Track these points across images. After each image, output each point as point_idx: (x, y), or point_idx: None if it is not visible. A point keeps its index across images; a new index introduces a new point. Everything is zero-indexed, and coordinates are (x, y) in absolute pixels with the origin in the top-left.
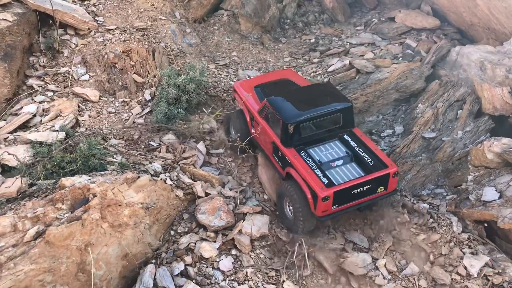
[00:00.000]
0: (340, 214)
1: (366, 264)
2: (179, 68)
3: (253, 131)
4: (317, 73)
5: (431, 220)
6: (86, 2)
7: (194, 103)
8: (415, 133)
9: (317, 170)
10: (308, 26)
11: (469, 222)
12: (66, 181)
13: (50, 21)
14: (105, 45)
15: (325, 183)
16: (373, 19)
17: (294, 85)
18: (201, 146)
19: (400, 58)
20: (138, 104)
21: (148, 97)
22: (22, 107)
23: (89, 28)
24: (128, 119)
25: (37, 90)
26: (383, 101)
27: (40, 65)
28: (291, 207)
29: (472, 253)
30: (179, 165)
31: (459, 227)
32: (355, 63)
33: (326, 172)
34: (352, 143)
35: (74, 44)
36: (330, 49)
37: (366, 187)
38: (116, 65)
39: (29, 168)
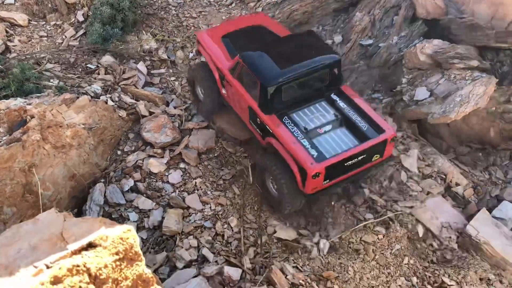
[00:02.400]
0: (331, 189)
1: None
2: None
3: (224, 91)
4: None
5: None
6: None
7: (130, 22)
8: (353, 41)
9: (304, 140)
10: None
11: (404, 122)
12: (1, 104)
13: None
14: None
15: (314, 156)
16: None
17: (270, 34)
18: (141, 66)
19: None
20: (71, 26)
21: (81, 18)
22: None
23: None
24: (62, 43)
25: None
26: (322, 12)
27: None
28: (275, 185)
29: (405, 149)
30: (119, 86)
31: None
32: None
33: (314, 141)
34: (341, 104)
35: None
36: None
37: (361, 157)
38: None
39: None
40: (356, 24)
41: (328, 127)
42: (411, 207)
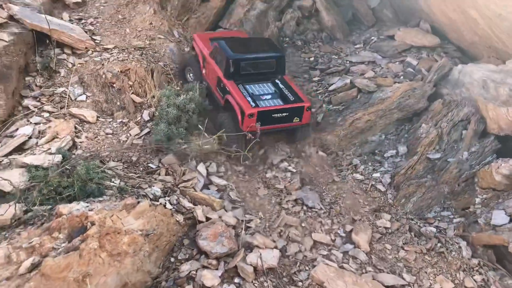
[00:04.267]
0: (262, 134)
1: None
2: (178, 88)
3: (204, 71)
4: (318, 92)
5: (439, 244)
6: (83, 21)
7: (194, 123)
8: (420, 154)
9: (249, 97)
10: (307, 44)
11: (479, 246)
12: (64, 208)
13: (47, 40)
14: (102, 64)
15: (253, 106)
16: (372, 37)
17: (242, 39)
18: (201, 168)
19: (402, 77)
20: (137, 125)
21: (147, 118)
22: (17, 129)
23: (86, 47)
24: (127, 141)
25: (33, 111)
26: (386, 121)
27: (36, 85)
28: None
29: (482, 281)
30: (179, 188)
31: (468, 252)
32: (357, 82)
33: (256, 101)
34: (281, 85)
35: (71, 63)
36: (330, 67)
37: (284, 114)
38: (114, 85)
39: (24, 193)
40: (422, 136)
41: (269, 97)
42: None
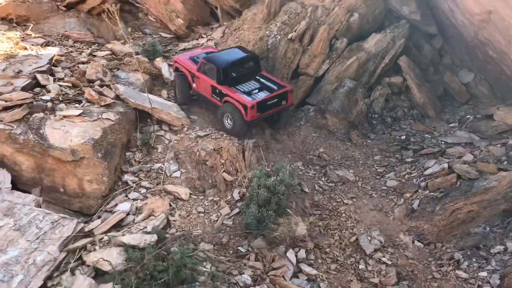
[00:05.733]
0: (261, 119)
1: None
2: (269, 169)
3: (194, 85)
4: (412, 175)
5: None
6: None
7: (283, 205)
8: None
9: (244, 94)
10: (397, 121)
11: None
12: None
13: (147, 118)
14: (197, 142)
15: (250, 100)
16: (468, 116)
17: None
18: (291, 255)
19: (505, 162)
20: (227, 204)
21: (237, 197)
22: (116, 204)
23: (182, 124)
24: (217, 220)
25: (131, 187)
26: (491, 212)
27: (135, 161)
28: (229, 120)
29: None
30: (268, 276)
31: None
32: (456, 168)
33: (251, 95)
34: (262, 80)
35: (168, 140)
36: (423, 148)
37: (275, 100)
38: (207, 163)
39: (121, 274)
40: None
41: (256, 91)
42: None
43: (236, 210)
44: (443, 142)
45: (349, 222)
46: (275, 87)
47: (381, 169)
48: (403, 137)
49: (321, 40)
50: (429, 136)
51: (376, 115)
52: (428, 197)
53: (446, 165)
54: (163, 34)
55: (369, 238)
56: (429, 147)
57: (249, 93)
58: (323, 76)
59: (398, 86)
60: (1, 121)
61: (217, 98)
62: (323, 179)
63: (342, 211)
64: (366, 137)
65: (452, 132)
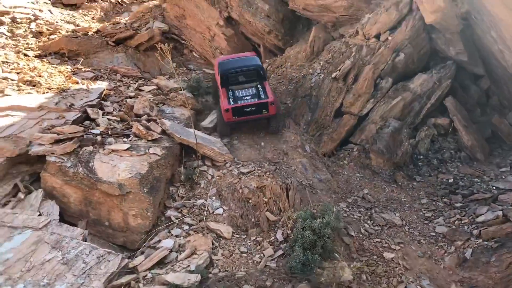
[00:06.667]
0: (239, 123)
1: None
2: (315, 210)
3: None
4: (462, 221)
5: None
6: None
7: (329, 249)
8: None
9: (231, 98)
10: (444, 163)
11: None
12: None
13: (191, 153)
14: (239, 178)
15: (230, 103)
16: None
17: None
18: None
19: None
20: (270, 245)
21: (281, 238)
22: (160, 240)
23: (225, 160)
24: (260, 261)
25: (174, 223)
26: None
27: (178, 196)
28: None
29: None
30: None
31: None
32: (511, 217)
33: (237, 101)
34: (260, 88)
35: (211, 175)
36: (473, 193)
37: (254, 108)
38: (250, 201)
39: None
40: None
41: (249, 97)
42: None
43: (280, 252)
44: (494, 188)
45: (397, 269)
46: (262, 96)
47: (429, 214)
48: (451, 180)
49: (366, 80)
50: (479, 181)
51: (421, 157)
52: (482, 246)
53: (500, 213)
54: (207, 70)
55: (419, 287)
56: (480, 192)
57: (240, 98)
58: (367, 115)
59: (445, 127)
60: (53, 153)
61: (218, 97)
62: (368, 222)
63: (390, 257)
64: (411, 179)
65: (503, 177)
